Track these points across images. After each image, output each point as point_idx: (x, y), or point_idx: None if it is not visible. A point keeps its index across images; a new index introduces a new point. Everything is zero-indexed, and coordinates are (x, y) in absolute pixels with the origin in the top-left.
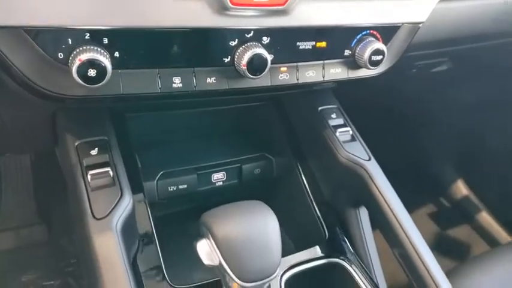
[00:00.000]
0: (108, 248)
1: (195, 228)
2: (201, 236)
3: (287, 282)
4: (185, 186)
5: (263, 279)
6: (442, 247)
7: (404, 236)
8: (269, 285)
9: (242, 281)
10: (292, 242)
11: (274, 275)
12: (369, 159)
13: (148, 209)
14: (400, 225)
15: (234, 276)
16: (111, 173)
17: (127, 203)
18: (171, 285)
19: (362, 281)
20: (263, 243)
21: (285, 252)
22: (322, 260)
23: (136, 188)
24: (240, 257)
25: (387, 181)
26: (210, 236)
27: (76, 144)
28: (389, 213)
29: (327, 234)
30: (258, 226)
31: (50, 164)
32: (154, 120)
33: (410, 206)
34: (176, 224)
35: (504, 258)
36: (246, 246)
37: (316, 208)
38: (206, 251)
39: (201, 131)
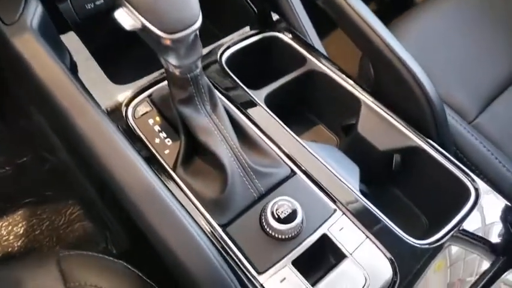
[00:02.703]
0: (31, 46)
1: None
2: (117, 6)
3: (227, 61)
4: (101, 1)
5: (186, 29)
6: None
7: None
8: (196, 35)
9: (167, 33)
10: (219, 30)
11: (197, 25)
12: None
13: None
14: None
15: (158, 31)
16: None
17: (35, 5)
18: (116, 85)
19: (299, 45)
20: None
21: (216, 40)
22: (257, 36)
23: (51, 11)
24: (159, 11)
25: None
26: (125, 2)
27: None
28: None
29: (255, 10)
30: None
31: None
32: None
33: None
34: (111, 47)
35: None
36: (161, 1)
37: None
38: (126, 17)
39: None
